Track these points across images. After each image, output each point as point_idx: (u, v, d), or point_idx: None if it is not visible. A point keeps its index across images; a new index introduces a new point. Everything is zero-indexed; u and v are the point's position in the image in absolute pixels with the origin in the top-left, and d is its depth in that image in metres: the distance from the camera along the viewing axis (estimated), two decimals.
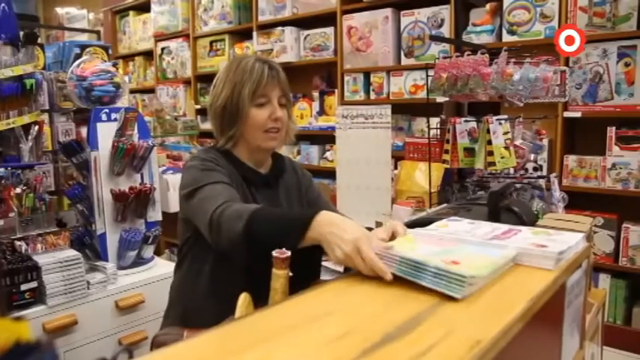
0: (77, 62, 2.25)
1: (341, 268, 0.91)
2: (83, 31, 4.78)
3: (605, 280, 2.70)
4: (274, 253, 1.03)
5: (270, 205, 1.47)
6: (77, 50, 2.51)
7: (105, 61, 2.44)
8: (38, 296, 1.90)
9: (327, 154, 3.80)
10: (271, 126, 1.42)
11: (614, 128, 2.64)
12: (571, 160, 2.77)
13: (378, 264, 0.82)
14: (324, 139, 3.83)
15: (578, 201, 2.69)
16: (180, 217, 1.48)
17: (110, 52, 2.71)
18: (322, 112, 3.83)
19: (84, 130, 2.33)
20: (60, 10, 6.74)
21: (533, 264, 0.85)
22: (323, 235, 1.00)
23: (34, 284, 1.87)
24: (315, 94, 3.89)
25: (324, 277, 2.26)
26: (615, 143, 2.63)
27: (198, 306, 1.42)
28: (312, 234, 1.03)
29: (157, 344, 1.38)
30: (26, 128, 2.18)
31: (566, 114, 2.75)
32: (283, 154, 1.66)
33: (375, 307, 0.71)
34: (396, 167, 2.75)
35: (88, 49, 2.53)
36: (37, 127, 2.20)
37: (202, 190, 1.31)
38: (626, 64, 2.58)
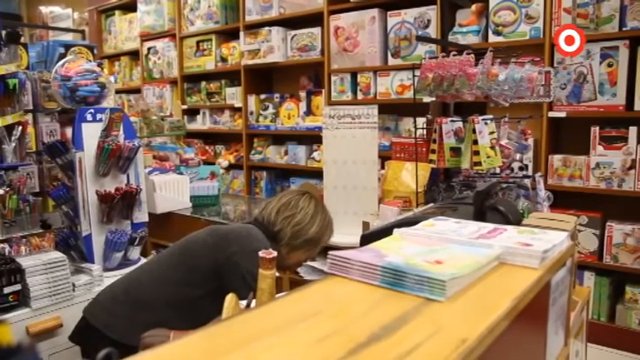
0: (62, 62, 2.23)
1: (326, 269, 0.91)
2: (68, 30, 4.74)
3: (589, 278, 2.73)
4: (261, 254, 1.03)
5: None
6: (62, 50, 2.48)
7: (90, 60, 2.42)
8: (22, 299, 1.88)
9: (315, 154, 3.80)
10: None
11: (597, 128, 2.67)
12: (556, 159, 2.80)
13: None
14: (312, 139, 3.83)
15: (563, 200, 2.72)
16: (211, 269, 1.61)
17: (95, 51, 2.69)
18: (309, 112, 3.83)
19: (69, 131, 2.31)
20: (44, 9, 6.66)
21: (518, 263, 0.86)
22: None
23: (17, 287, 1.85)
24: (302, 94, 3.89)
25: (310, 277, 2.27)
26: (599, 143, 2.67)
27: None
28: None
29: (143, 346, 1.37)
30: (9, 129, 2.15)
31: (551, 114, 2.78)
32: None
33: (361, 307, 0.71)
34: (382, 167, 2.76)
35: (72, 49, 2.51)
36: (20, 128, 2.18)
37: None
38: (609, 65, 2.62)
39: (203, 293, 1.58)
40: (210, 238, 1.66)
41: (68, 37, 4.92)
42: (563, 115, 2.76)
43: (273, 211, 1.78)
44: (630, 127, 2.58)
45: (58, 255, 1.97)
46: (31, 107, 2.30)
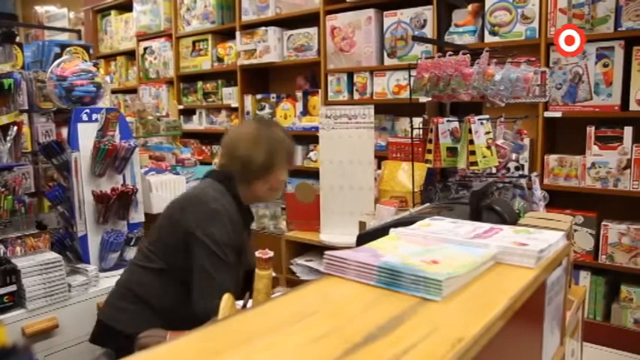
0: (57, 62, 2.22)
1: (322, 269, 0.91)
2: (63, 30, 4.72)
3: (585, 278, 2.74)
4: (257, 254, 1.03)
5: (247, 243, 1.81)
6: (57, 50, 2.47)
7: (86, 60, 2.41)
8: (17, 300, 1.87)
9: (311, 154, 3.80)
10: (281, 187, 1.82)
11: (593, 128, 2.68)
12: (552, 159, 2.80)
13: None
14: (308, 139, 3.83)
15: (559, 200, 2.73)
16: (178, 239, 1.61)
17: (91, 51, 2.68)
18: (306, 112, 3.83)
19: (64, 131, 2.30)
20: (39, 9, 6.63)
21: (515, 262, 0.86)
22: None
23: (12, 288, 1.84)
24: (299, 94, 3.89)
25: (306, 277, 2.26)
26: (594, 143, 2.68)
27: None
28: None
29: (139, 346, 1.37)
30: (4, 129, 2.14)
31: (547, 114, 2.78)
32: None
33: (357, 307, 0.71)
34: (379, 167, 2.76)
35: (68, 49, 2.50)
36: (15, 128, 2.17)
37: (217, 267, 1.56)
38: (605, 65, 2.62)
39: (186, 270, 1.60)
40: (171, 215, 1.69)
41: (64, 37, 4.90)
42: (558, 115, 2.76)
43: (223, 152, 1.80)
44: (625, 127, 2.59)
45: (53, 255, 1.96)
46: (26, 107, 2.29)
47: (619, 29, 2.57)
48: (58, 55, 2.43)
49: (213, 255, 1.55)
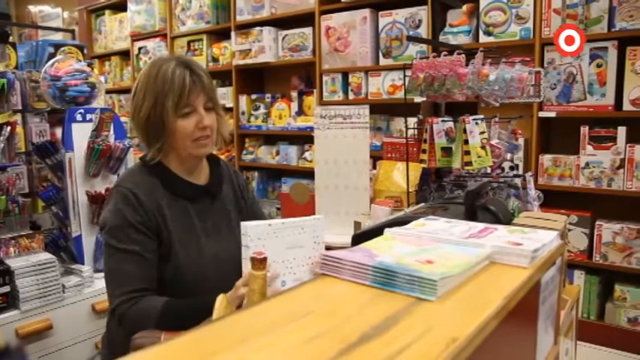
0: (51, 62, 2.21)
1: (318, 269, 0.92)
2: (57, 30, 4.69)
3: (579, 277, 2.76)
4: (252, 255, 1.03)
5: (207, 219, 1.46)
6: (51, 49, 2.46)
7: (80, 60, 2.40)
8: (11, 301, 1.86)
9: (306, 154, 3.80)
10: (200, 134, 1.39)
11: (587, 128, 2.69)
12: (546, 159, 2.82)
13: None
14: (303, 139, 3.83)
15: (553, 199, 2.74)
16: None
17: (85, 51, 2.67)
18: (301, 112, 3.83)
19: (58, 131, 2.29)
20: (33, 8, 6.60)
21: (509, 262, 0.86)
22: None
23: (6, 289, 1.84)
24: (294, 94, 3.89)
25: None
26: (588, 142, 2.69)
27: None
28: None
29: (134, 347, 1.36)
30: None
31: (541, 114, 2.80)
32: (219, 157, 1.62)
33: (352, 307, 0.71)
34: (374, 167, 2.76)
35: (62, 49, 2.49)
36: (9, 128, 2.16)
37: (112, 258, 1.35)
38: (598, 65, 2.64)
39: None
40: None
41: (58, 37, 4.88)
42: (553, 115, 2.78)
43: None
44: (619, 127, 2.60)
45: (47, 256, 1.95)
46: (20, 107, 2.28)
47: (612, 29, 2.58)
48: (52, 55, 2.42)
49: (105, 245, 1.38)
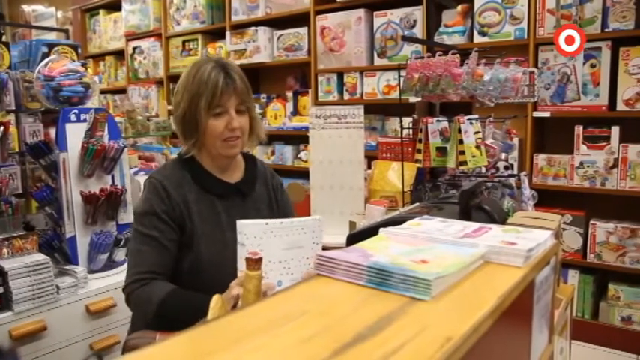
0: (45, 61, 2.20)
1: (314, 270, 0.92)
2: (51, 29, 4.68)
3: (573, 276, 2.77)
4: (247, 255, 1.03)
5: (236, 215, 1.41)
6: (45, 49, 2.45)
7: (74, 60, 2.39)
8: (4, 302, 1.85)
9: (301, 154, 3.80)
10: (229, 135, 1.45)
11: (581, 128, 2.71)
12: (540, 158, 2.83)
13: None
14: (298, 139, 3.83)
15: (548, 199, 2.75)
16: None
17: (80, 51, 2.66)
18: (296, 112, 3.83)
19: (52, 131, 2.28)
20: (27, 8, 6.57)
21: (503, 261, 0.87)
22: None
23: None
24: (289, 94, 3.89)
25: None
26: (582, 142, 2.70)
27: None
28: None
29: (128, 348, 1.36)
30: None
31: (536, 114, 2.81)
32: (256, 157, 1.70)
33: (347, 307, 0.71)
34: (369, 167, 2.76)
35: (56, 49, 2.47)
36: (2, 129, 2.14)
37: (134, 241, 1.46)
38: (592, 66, 2.65)
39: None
40: None
41: (52, 37, 4.85)
42: (547, 115, 2.79)
43: None
44: (612, 127, 2.62)
45: (41, 257, 1.94)
46: (13, 107, 2.26)
47: (606, 30, 2.59)
48: (46, 55, 2.40)
49: (132, 230, 1.49)
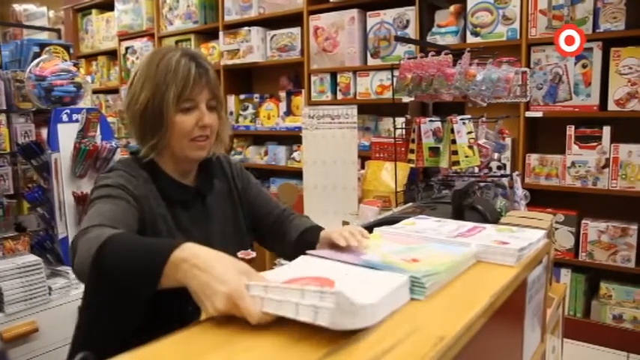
0: (36, 61, 2.19)
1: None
2: (43, 29, 4.64)
3: (565, 275, 2.78)
4: (239, 255, 1.03)
5: (200, 223, 1.29)
6: (36, 49, 2.43)
7: (66, 60, 2.38)
8: None
9: (295, 154, 3.80)
10: (199, 134, 1.23)
11: (572, 127, 2.72)
12: (533, 158, 2.84)
13: (257, 316, 0.67)
14: (292, 139, 3.82)
15: (540, 198, 2.76)
16: None
17: (71, 51, 2.64)
18: (289, 112, 3.83)
19: (44, 132, 2.26)
20: (18, 7, 6.52)
21: (496, 261, 0.87)
22: (188, 280, 0.77)
23: None
24: (282, 94, 3.88)
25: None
26: (574, 142, 2.72)
27: None
28: (175, 275, 0.79)
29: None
30: None
31: (528, 114, 2.82)
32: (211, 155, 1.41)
33: None
34: (362, 167, 2.77)
35: (47, 48, 2.46)
36: None
37: (90, 207, 1.13)
38: (584, 66, 2.67)
39: None
40: None
41: (43, 36, 4.81)
42: (539, 114, 2.80)
43: None
44: (604, 127, 2.63)
45: (33, 258, 1.93)
46: (4, 107, 2.25)
47: (597, 30, 2.61)
48: (37, 55, 2.39)
49: (88, 206, 1.15)
